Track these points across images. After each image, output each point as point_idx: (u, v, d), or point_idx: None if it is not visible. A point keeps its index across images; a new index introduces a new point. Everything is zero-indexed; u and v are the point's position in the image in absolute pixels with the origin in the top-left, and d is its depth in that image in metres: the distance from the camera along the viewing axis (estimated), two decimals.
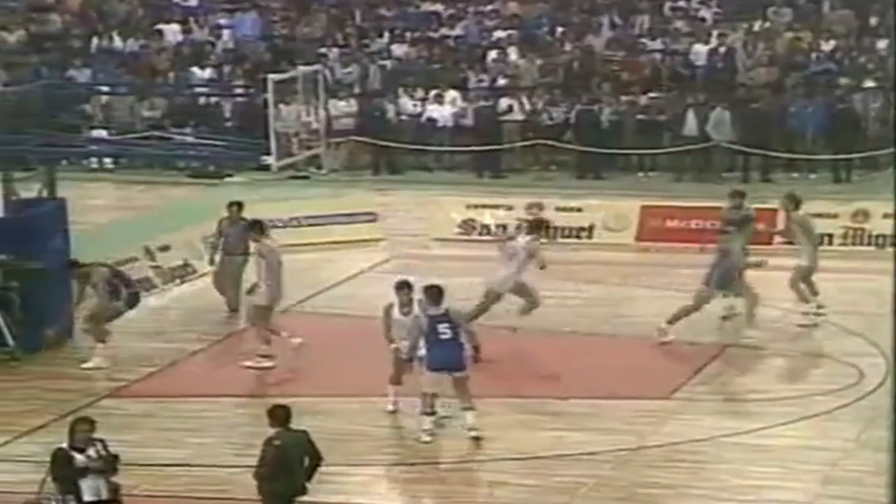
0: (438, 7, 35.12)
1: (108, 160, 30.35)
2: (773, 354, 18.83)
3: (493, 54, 32.43)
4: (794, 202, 20.14)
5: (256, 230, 19.19)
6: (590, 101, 30.08)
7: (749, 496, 14.53)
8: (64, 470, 12.36)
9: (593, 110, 29.85)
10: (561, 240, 24.65)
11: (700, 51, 31.73)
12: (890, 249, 22.25)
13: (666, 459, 15.42)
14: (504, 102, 30.52)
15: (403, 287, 16.71)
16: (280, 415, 12.81)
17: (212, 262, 21.12)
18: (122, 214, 27.16)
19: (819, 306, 19.67)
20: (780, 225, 21.29)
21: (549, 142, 29.89)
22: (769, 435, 15.99)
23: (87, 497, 12.26)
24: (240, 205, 21.01)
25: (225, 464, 15.37)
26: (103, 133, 28.09)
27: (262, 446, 12.71)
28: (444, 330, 15.69)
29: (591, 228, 24.80)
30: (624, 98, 30.10)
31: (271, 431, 12.71)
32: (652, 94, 30.24)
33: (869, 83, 29.46)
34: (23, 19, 35.06)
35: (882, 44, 30.72)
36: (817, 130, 29.21)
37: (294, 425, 12.80)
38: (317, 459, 12.83)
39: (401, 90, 31.43)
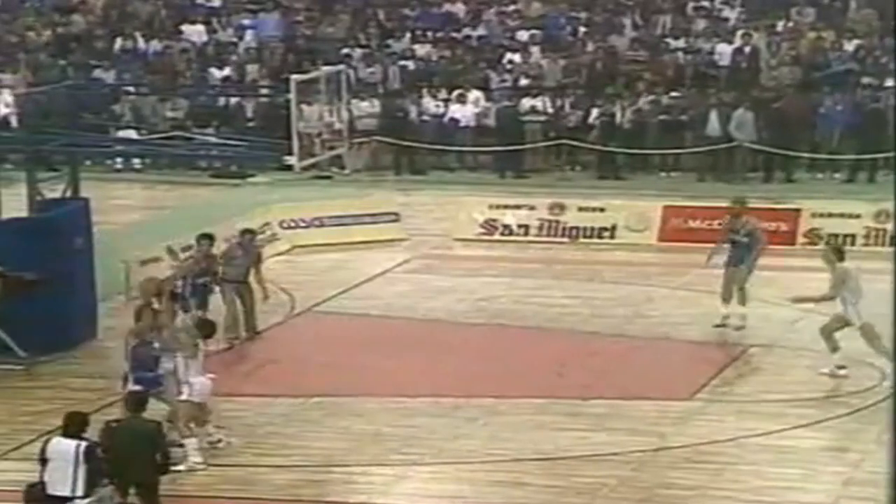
0: (461, 7, 35.14)
1: (131, 160, 30.45)
2: (795, 355, 18.77)
3: (515, 55, 32.44)
4: (838, 253, 18.47)
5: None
6: (612, 101, 30.06)
7: (771, 497, 14.51)
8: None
9: (615, 110, 29.84)
10: (583, 240, 24.67)
11: (724, 50, 31.70)
12: None
13: (688, 460, 15.41)
14: (526, 103, 30.53)
15: None
16: (131, 402, 13.31)
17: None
18: (146, 214, 27.26)
19: (839, 366, 18.05)
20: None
21: (572, 142, 29.89)
22: (791, 436, 15.97)
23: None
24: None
25: (244, 463, 15.43)
26: (128, 133, 28.16)
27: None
28: None
29: (613, 229, 24.79)
30: (646, 98, 30.08)
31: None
32: (674, 94, 30.22)
33: (890, 82, 29.36)
34: (48, 21, 35.20)
35: None
36: (841, 130, 29.13)
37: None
38: (163, 453, 13.18)
39: (423, 90, 31.47)
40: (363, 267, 23.05)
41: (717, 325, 19.66)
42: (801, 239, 24.00)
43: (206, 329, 15.85)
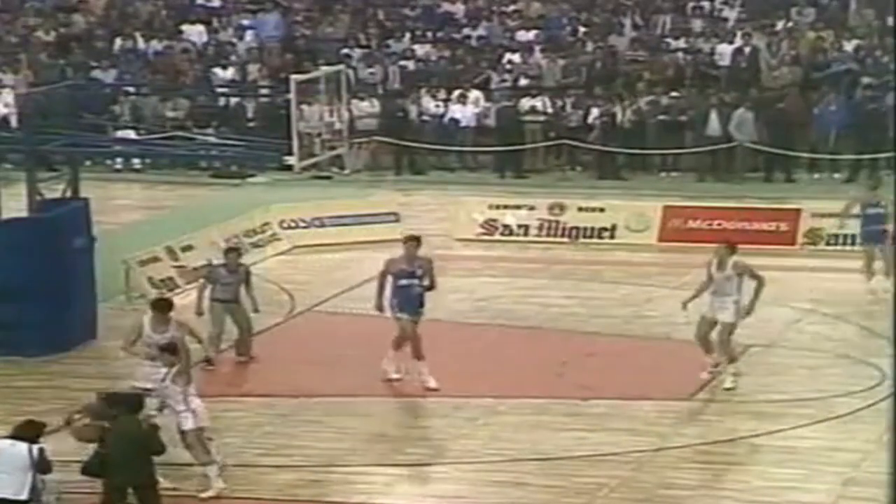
0: (461, 7, 35.15)
1: (131, 160, 30.46)
2: (795, 355, 18.78)
3: (515, 55, 32.45)
4: (731, 249, 17.60)
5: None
6: (612, 101, 30.06)
7: (771, 497, 14.51)
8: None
9: (616, 110, 29.85)
10: (583, 240, 24.68)
11: (724, 51, 31.71)
12: None
13: (688, 460, 15.42)
14: (526, 103, 30.54)
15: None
16: (117, 402, 13.32)
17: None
18: (146, 214, 27.26)
19: (715, 365, 17.63)
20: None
21: (572, 142, 29.89)
22: (791, 436, 15.98)
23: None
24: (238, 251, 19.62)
25: (248, 463, 15.43)
26: (128, 133, 28.17)
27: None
28: None
29: (613, 229, 24.79)
30: (646, 98, 30.08)
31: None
32: (674, 94, 30.22)
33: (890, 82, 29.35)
34: (51, 21, 35.20)
35: None
36: (838, 130, 29.15)
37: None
38: (155, 453, 13.17)
39: (423, 90, 31.48)
40: (363, 267, 22.99)
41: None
42: (801, 239, 24.01)
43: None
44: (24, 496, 12.60)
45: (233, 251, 19.32)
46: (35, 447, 12.76)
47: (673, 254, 23.66)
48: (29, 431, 12.89)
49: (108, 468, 13.01)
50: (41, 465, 12.75)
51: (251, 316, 18.80)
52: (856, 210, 21.66)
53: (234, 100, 31.48)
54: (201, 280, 19.25)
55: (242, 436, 16.22)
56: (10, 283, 18.75)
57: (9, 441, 12.90)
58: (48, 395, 17.51)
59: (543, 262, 23.62)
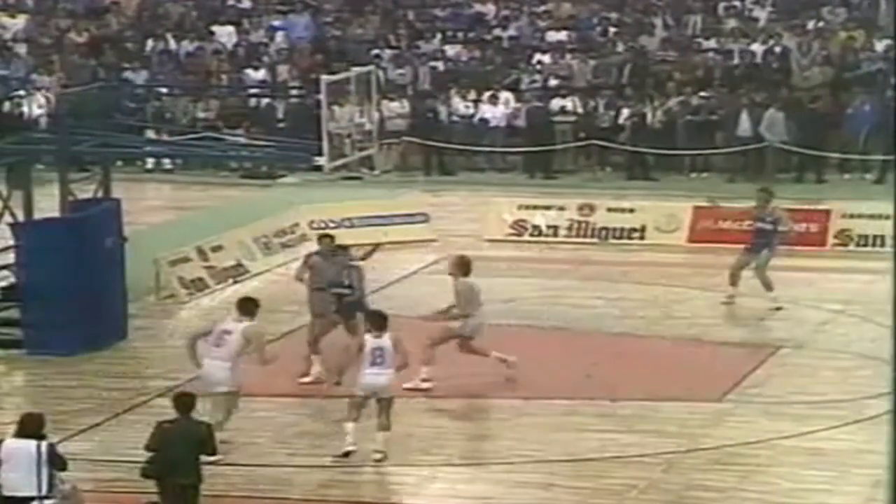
0: (491, 8, 35.16)
1: (163, 161, 30.59)
2: (825, 357, 18.72)
3: (545, 55, 32.43)
4: (463, 268, 17.80)
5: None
6: (642, 101, 30.02)
7: (800, 500, 14.49)
8: None
9: (646, 111, 29.80)
10: (612, 241, 24.65)
11: (755, 50, 31.62)
12: None
13: (717, 462, 15.39)
14: (557, 103, 30.52)
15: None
16: (181, 403, 13.21)
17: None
18: (176, 215, 27.37)
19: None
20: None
21: (602, 142, 29.86)
22: (820, 438, 15.94)
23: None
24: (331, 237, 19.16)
25: (276, 463, 15.49)
26: (157, 134, 28.30)
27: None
28: None
29: (642, 229, 24.75)
30: (676, 98, 30.03)
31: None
32: (704, 94, 30.15)
33: None
34: (83, 22, 35.38)
35: None
36: (868, 130, 29.01)
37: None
38: (209, 454, 13.15)
39: (453, 91, 31.50)
40: (393, 267, 23.06)
41: (724, 302, 20.72)
42: (831, 240, 23.93)
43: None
44: (33, 492, 12.56)
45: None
46: (44, 443, 12.67)
47: (702, 255, 23.61)
48: (30, 427, 12.80)
49: (163, 466, 12.98)
50: (52, 461, 12.68)
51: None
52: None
53: (264, 100, 31.58)
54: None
55: (271, 436, 16.27)
56: (41, 283, 18.88)
57: (17, 440, 12.84)
58: (80, 395, 17.63)
59: (573, 263, 23.60)
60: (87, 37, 34.63)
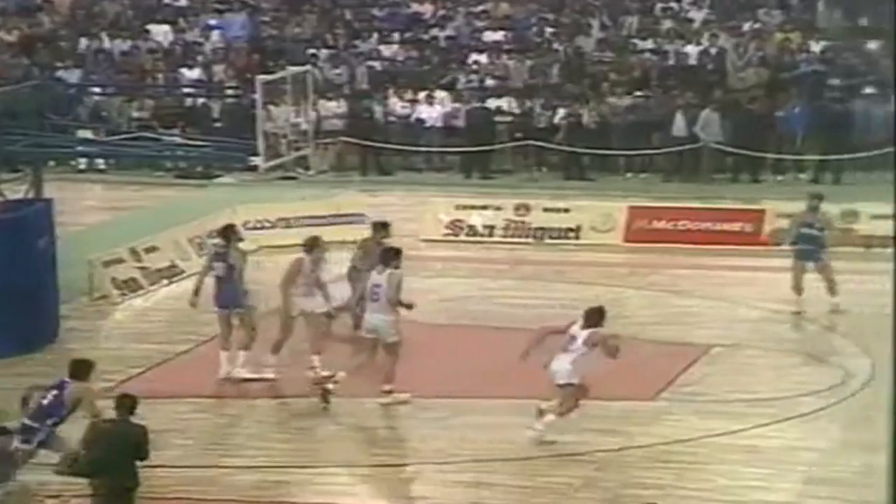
0: (428, 7, 35.13)
1: (96, 161, 30.31)
2: (758, 355, 18.82)
3: (482, 55, 32.44)
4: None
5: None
6: (578, 101, 30.09)
7: (735, 497, 14.53)
8: None
9: (582, 111, 29.87)
10: (548, 241, 24.69)
11: (690, 52, 31.78)
12: (877, 250, 22.28)
13: (652, 460, 15.42)
14: (493, 103, 30.52)
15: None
16: (122, 404, 13.13)
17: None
18: (110, 215, 27.12)
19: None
20: None
21: (538, 143, 29.89)
22: (755, 435, 15.99)
23: None
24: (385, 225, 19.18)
25: (209, 464, 15.36)
26: (87, 134, 28.01)
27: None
28: None
29: (578, 229, 24.80)
30: (613, 99, 30.12)
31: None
32: (640, 95, 30.26)
33: (868, 89, 29.34)
34: (15, 20, 35.00)
35: (873, 45, 30.71)
36: (806, 131, 29.22)
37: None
38: (142, 458, 13.02)
39: (390, 91, 31.44)
40: (330, 267, 22.93)
41: (795, 312, 20.20)
42: (766, 239, 24.06)
43: None
44: None
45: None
46: None
47: (638, 254, 23.71)
48: None
49: (96, 466, 12.87)
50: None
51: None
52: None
53: (200, 100, 31.38)
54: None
55: (204, 437, 16.13)
56: None
57: None
58: (8, 396, 17.37)
59: (509, 263, 23.62)
60: (18, 35, 34.26)
